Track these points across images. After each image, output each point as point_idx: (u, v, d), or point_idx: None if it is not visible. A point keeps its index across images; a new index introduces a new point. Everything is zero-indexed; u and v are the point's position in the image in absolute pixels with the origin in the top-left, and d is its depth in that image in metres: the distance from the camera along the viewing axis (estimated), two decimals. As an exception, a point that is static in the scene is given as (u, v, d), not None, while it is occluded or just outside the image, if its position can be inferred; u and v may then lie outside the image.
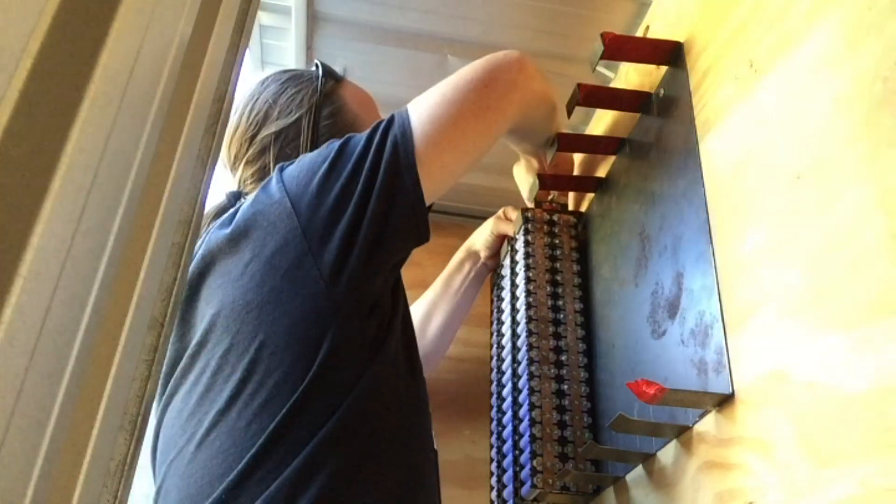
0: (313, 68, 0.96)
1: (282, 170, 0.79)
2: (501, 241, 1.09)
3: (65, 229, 0.25)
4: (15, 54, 0.22)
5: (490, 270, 1.13)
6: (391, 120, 0.79)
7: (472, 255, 1.13)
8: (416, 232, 0.78)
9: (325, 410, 0.71)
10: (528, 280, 0.92)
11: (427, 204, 0.77)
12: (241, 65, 0.51)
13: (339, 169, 0.76)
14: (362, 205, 0.74)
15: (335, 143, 0.79)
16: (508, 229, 1.04)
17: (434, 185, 0.78)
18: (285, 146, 0.90)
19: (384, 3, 1.01)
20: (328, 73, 0.96)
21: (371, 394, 0.73)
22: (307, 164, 0.78)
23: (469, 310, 1.14)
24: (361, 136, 0.79)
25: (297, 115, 0.91)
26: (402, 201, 0.75)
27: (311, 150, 0.87)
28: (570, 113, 0.89)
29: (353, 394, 0.72)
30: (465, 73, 0.83)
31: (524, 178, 1.07)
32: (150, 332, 0.39)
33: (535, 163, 1.03)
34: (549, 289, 0.92)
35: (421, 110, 0.79)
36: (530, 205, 1.03)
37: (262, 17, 1.05)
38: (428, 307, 1.13)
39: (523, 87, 0.85)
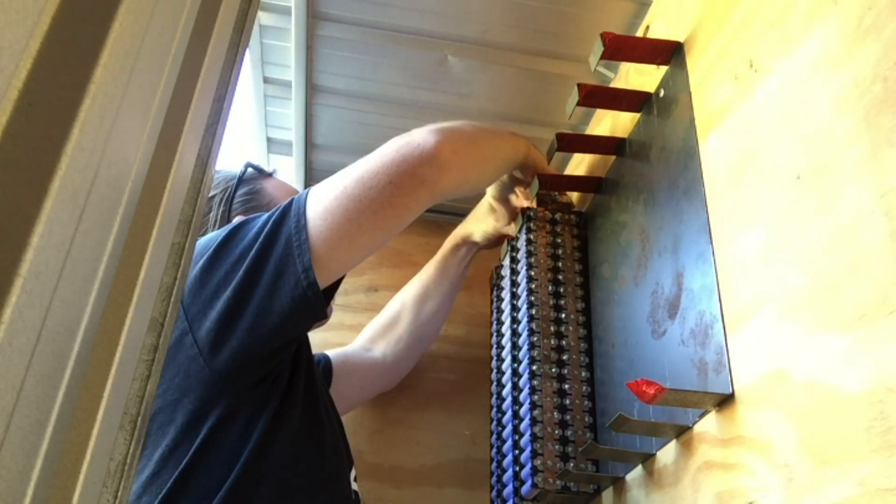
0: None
1: None
2: (502, 240, 1.09)
3: (65, 229, 0.25)
4: (15, 54, 0.22)
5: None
6: (287, 210, 0.79)
7: (469, 243, 1.14)
8: (310, 317, 0.79)
9: (213, 481, 0.73)
10: (529, 279, 0.92)
11: (327, 285, 0.78)
12: (241, 65, 0.51)
13: (225, 254, 0.78)
14: (244, 290, 0.76)
15: (227, 227, 0.81)
16: (510, 231, 1.05)
17: (332, 274, 0.79)
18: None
19: (384, 2, 1.01)
20: (256, 168, 1.02)
21: (264, 463, 0.75)
22: (200, 245, 0.80)
23: (457, 293, 1.17)
24: (255, 224, 0.80)
25: (211, 193, 0.95)
26: (294, 293, 0.76)
27: (221, 226, 0.91)
28: (570, 113, 0.89)
29: (242, 464, 0.74)
30: (372, 163, 0.81)
31: (482, 218, 1.10)
32: (150, 332, 0.39)
33: (496, 206, 1.06)
34: (551, 288, 0.92)
35: (320, 204, 0.79)
36: (531, 204, 1.03)
37: (262, 17, 1.05)
38: (423, 290, 1.14)
39: (433, 182, 0.82)
